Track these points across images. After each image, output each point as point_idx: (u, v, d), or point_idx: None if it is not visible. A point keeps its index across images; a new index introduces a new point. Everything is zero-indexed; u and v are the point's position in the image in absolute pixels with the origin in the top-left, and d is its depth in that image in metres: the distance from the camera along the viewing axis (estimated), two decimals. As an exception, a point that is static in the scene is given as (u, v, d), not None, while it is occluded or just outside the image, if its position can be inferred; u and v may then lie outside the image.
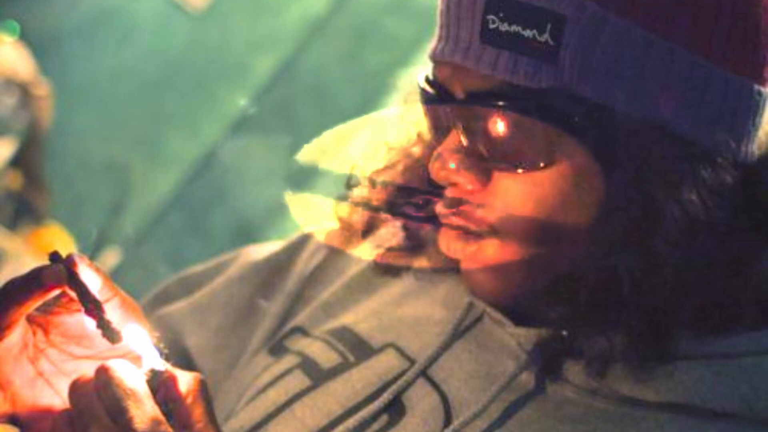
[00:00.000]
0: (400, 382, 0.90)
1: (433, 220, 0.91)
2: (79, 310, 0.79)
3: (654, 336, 0.83)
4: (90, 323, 0.78)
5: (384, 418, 0.89)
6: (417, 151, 0.98)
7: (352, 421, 0.89)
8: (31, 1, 3.85)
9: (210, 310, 1.08)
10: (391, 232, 1.02)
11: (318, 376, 0.94)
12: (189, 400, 0.78)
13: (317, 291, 1.05)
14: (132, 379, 0.76)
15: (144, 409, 0.75)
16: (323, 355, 0.96)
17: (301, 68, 3.75)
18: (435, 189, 0.89)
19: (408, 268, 1.00)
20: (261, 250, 1.13)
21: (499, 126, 0.83)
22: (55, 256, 0.78)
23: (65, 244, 2.82)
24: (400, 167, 1.00)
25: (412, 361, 0.92)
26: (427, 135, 0.95)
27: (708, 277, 0.82)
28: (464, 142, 0.85)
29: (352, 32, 3.71)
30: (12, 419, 0.80)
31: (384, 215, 1.02)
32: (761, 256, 0.84)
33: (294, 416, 0.92)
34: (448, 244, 0.89)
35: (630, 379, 0.84)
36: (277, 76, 3.76)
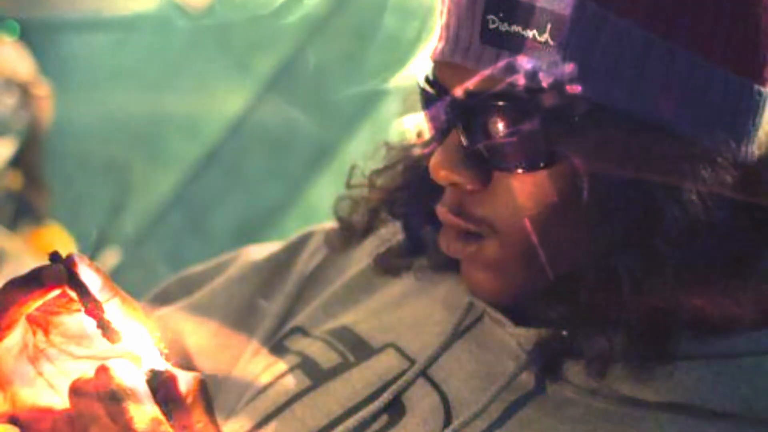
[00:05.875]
0: (400, 382, 0.90)
1: (433, 220, 0.91)
2: (79, 310, 0.79)
3: (654, 336, 0.83)
4: (90, 323, 0.78)
5: (384, 418, 0.89)
6: (417, 151, 0.98)
7: (352, 421, 0.89)
8: (31, 1, 3.84)
9: (210, 310, 1.08)
10: (391, 232, 1.02)
11: (318, 376, 0.94)
12: (189, 400, 0.77)
13: (317, 291, 1.05)
14: (132, 379, 0.76)
15: (144, 409, 0.75)
16: (323, 355, 0.96)
17: (301, 68, 3.75)
18: (435, 189, 0.89)
19: (408, 268, 1.00)
20: (261, 250, 1.13)
21: (498, 126, 0.83)
22: (55, 256, 0.78)
23: (65, 244, 2.82)
24: (400, 167, 1.00)
25: (412, 361, 0.92)
26: (427, 135, 0.95)
27: (708, 277, 0.82)
28: (464, 142, 0.85)
29: (352, 32, 3.71)
30: (12, 419, 0.80)
31: (384, 215, 1.02)
32: (761, 256, 0.84)
33: (294, 416, 0.92)
34: (448, 244, 0.89)
35: (630, 379, 0.84)
36: (276, 76, 3.76)
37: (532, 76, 0.81)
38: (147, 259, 3.57)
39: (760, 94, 0.85)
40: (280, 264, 1.09)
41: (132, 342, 0.78)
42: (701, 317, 0.83)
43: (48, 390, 0.81)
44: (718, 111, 0.83)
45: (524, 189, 0.84)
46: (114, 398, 0.75)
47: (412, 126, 0.99)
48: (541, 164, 0.83)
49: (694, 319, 0.83)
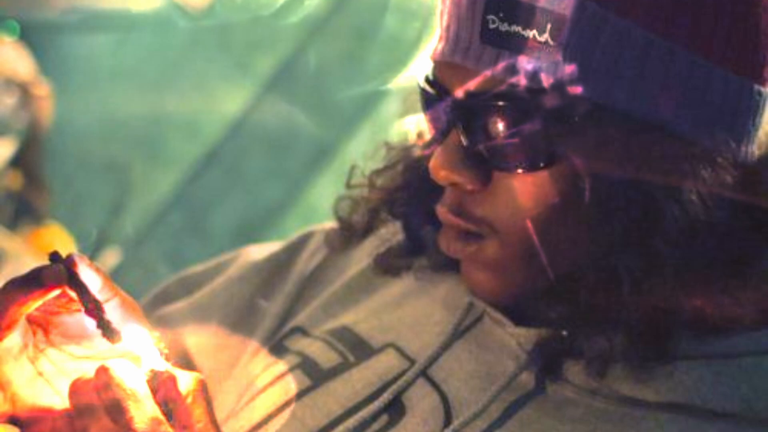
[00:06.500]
0: (400, 382, 0.90)
1: (433, 220, 0.91)
2: (79, 310, 0.79)
3: (654, 336, 0.83)
4: (90, 323, 0.78)
5: (384, 418, 0.89)
6: (417, 151, 0.98)
7: (352, 421, 0.89)
8: (31, 1, 3.85)
9: (210, 310, 1.08)
10: (391, 232, 1.02)
11: (318, 376, 0.94)
12: (189, 400, 0.78)
13: (317, 291, 1.05)
14: (132, 379, 0.76)
15: (144, 409, 0.75)
16: (323, 355, 0.96)
17: (301, 68, 3.75)
18: (435, 189, 0.89)
19: (408, 268, 1.00)
20: (261, 250, 1.13)
21: (499, 126, 0.84)
22: (55, 256, 0.78)
23: (65, 244, 2.82)
24: (400, 167, 1.00)
25: (412, 361, 0.92)
26: (427, 135, 0.95)
27: (708, 277, 0.82)
28: (464, 142, 0.85)
29: (352, 32, 3.71)
30: (12, 419, 0.80)
31: (384, 215, 1.02)
32: (761, 256, 0.85)
33: (294, 416, 0.92)
34: (448, 244, 0.89)
35: (630, 379, 0.84)
36: (276, 76, 3.76)
37: (532, 76, 0.81)
38: (147, 259, 3.57)
39: (760, 94, 0.85)
40: (280, 264, 1.09)
41: (132, 342, 0.78)
42: (701, 317, 0.83)
43: (48, 390, 0.81)
44: (718, 111, 0.83)
45: (524, 189, 0.84)
46: (114, 398, 0.75)
47: (412, 126, 0.99)
48: (542, 164, 0.83)
49: (694, 319, 0.83)
